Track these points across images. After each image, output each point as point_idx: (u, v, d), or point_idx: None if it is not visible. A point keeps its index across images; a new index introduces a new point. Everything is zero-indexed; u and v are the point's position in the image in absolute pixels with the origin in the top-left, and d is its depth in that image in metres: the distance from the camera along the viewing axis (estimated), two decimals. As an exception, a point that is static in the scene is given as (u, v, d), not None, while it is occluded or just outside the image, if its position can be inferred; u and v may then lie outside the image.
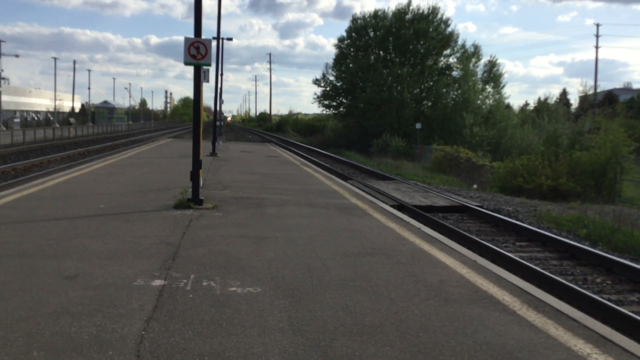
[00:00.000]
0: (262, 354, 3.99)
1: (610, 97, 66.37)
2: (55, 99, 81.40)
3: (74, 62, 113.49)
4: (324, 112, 58.21)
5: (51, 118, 78.44)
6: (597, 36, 65.31)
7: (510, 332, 4.58)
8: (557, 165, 21.09)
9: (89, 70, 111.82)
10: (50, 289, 5.18)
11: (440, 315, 4.92)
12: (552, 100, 49.09)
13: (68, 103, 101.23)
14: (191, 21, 10.22)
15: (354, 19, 51.15)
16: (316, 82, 52.83)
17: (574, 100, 68.09)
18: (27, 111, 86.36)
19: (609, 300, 7.69)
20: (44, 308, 4.69)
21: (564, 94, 73.66)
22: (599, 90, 65.95)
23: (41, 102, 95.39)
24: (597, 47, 65.87)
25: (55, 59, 78.64)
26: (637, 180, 21.35)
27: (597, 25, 66.32)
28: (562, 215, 14.39)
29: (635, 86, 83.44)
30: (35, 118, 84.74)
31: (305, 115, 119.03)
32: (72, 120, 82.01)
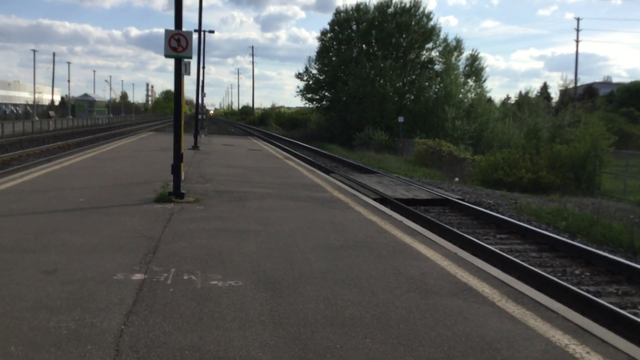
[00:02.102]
0: (242, 347, 3.98)
1: (590, 90, 67.23)
2: (34, 92, 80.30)
3: (54, 54, 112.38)
4: (307, 105, 58.13)
5: (30, 111, 77.40)
6: (578, 30, 65.95)
7: (489, 324, 4.62)
8: (538, 159, 21.28)
9: (69, 63, 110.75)
10: (28, 284, 5.12)
11: (421, 307, 4.95)
12: (533, 94, 49.63)
13: (47, 96, 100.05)
14: (172, 13, 10.18)
15: (337, 12, 51.14)
16: (299, 76, 52.74)
17: (555, 94, 68.87)
18: (6, 104, 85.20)
19: (588, 291, 7.80)
20: (22, 303, 4.64)
21: (544, 87, 74.50)
22: (579, 84, 66.77)
23: (20, 95, 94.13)
24: (577, 41, 66.59)
25: (34, 51, 77.37)
26: (615, 173, 21.63)
27: (578, 19, 67.14)
28: (542, 208, 14.54)
29: (614, 80, 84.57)
30: (14, 111, 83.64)
31: (288, 108, 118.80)
32: (51, 113, 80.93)
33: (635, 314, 6.95)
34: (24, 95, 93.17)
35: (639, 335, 6.16)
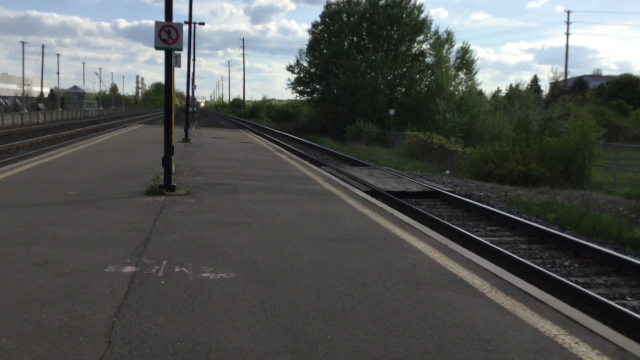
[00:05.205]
0: (234, 339, 4.00)
1: (580, 83, 67.54)
2: (23, 84, 79.72)
3: (42, 46, 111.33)
4: (298, 98, 58.01)
5: (19, 103, 76.82)
6: (568, 23, 66.08)
7: (479, 314, 4.66)
8: (528, 151, 21.36)
9: (58, 55, 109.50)
10: (19, 276, 5.11)
11: (412, 298, 4.99)
12: (523, 87, 49.74)
13: (37, 88, 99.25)
14: (161, 5, 10.10)
15: (328, 4, 50.94)
16: (290, 68, 52.52)
17: (545, 87, 69.23)
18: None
19: (577, 282, 7.87)
20: (12, 295, 4.63)
21: (535, 80, 74.79)
22: (569, 76, 67.00)
23: (9, 87, 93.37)
24: (567, 34, 66.75)
25: (23, 43, 76.66)
26: (605, 165, 21.76)
27: (568, 12, 67.24)
28: (532, 200, 14.62)
29: (604, 73, 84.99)
30: (3, 103, 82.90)
31: (279, 101, 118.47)
32: (41, 105, 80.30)
33: (623, 305, 7.02)
34: (12, 88, 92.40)
35: (627, 326, 6.23)
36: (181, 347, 3.82)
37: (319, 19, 51.63)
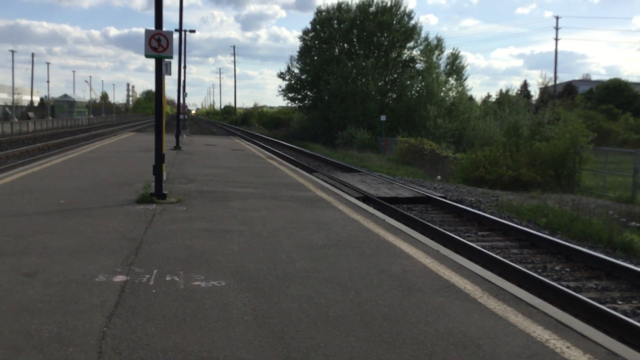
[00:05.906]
0: (226, 347, 3.98)
1: (569, 88, 67.90)
2: (13, 93, 79.33)
3: (32, 55, 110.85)
4: (290, 104, 58.03)
5: (9, 112, 76.43)
6: (557, 28, 66.54)
7: (471, 320, 4.67)
8: (518, 156, 21.47)
9: (48, 64, 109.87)
10: (8, 287, 5.07)
11: (404, 305, 4.99)
12: (513, 92, 49.83)
13: (27, 97, 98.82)
14: (151, 13, 10.10)
15: (319, 11, 51.16)
16: (281, 75, 52.62)
17: (535, 92, 69.39)
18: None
19: (568, 287, 7.89)
20: (2, 306, 4.59)
21: (524, 85, 75.11)
22: (558, 81, 67.40)
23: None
24: (556, 39, 67.17)
25: (12, 52, 76.43)
26: (595, 169, 21.88)
27: (557, 17, 67.49)
28: (523, 205, 14.68)
29: (593, 77, 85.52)
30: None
31: (271, 108, 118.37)
32: (31, 114, 79.98)
33: (614, 309, 7.05)
34: (2, 97, 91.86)
35: (618, 330, 6.25)
36: (172, 356, 3.80)
37: (309, 26, 51.86)
